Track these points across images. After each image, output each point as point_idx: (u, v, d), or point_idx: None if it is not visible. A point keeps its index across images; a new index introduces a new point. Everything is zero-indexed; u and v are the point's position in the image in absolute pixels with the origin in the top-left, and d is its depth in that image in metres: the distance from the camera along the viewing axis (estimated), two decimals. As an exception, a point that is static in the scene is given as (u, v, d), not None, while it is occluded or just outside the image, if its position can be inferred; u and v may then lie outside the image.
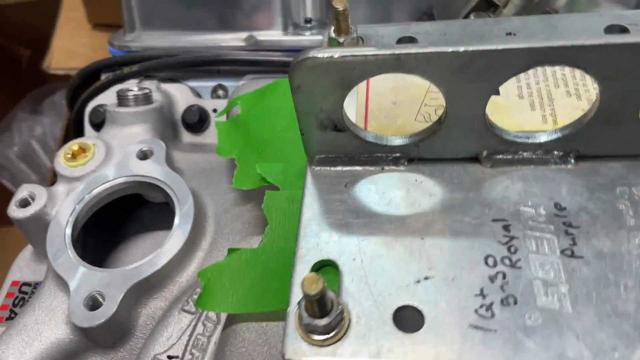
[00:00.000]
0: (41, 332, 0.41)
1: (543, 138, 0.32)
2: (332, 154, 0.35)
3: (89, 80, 0.65)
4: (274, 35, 0.61)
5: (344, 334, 0.28)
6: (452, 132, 0.32)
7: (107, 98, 0.62)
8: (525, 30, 0.40)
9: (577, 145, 0.32)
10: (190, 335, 0.38)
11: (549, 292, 0.28)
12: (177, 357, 0.37)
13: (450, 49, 0.28)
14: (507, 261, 0.29)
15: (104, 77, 0.64)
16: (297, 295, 0.29)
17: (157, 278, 0.42)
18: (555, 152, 0.33)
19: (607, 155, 0.33)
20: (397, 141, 0.34)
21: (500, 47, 0.27)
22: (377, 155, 0.35)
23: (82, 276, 0.41)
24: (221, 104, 0.60)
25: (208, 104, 0.60)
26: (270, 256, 0.34)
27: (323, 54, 0.29)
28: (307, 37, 0.60)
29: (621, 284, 0.27)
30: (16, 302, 0.49)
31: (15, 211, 0.47)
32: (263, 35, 0.61)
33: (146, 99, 0.56)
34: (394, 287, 0.29)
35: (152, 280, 0.42)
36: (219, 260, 0.34)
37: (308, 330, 0.28)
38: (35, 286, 0.51)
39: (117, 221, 0.55)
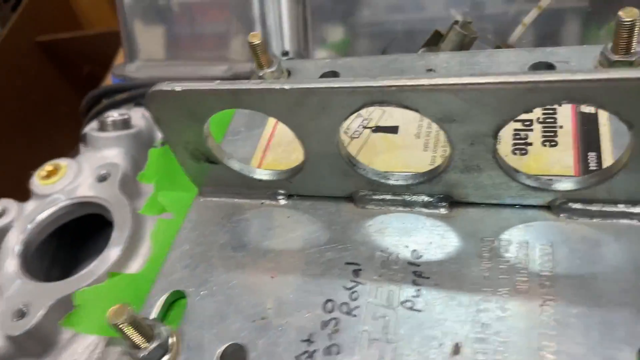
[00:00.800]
0: (-21, 336, 0.44)
1: (406, 181, 0.30)
2: (216, 186, 0.36)
3: (95, 105, 0.71)
4: (251, 66, 0.63)
5: (167, 368, 0.28)
6: (316, 170, 0.32)
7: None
8: (445, 66, 0.38)
9: (448, 191, 0.30)
10: (91, 353, 0.40)
11: (372, 346, 0.26)
12: (72, 374, 0.39)
13: (277, 86, 0.27)
14: (344, 308, 0.28)
15: (104, 102, 0.69)
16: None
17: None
18: (426, 197, 0.31)
19: (481, 202, 0.30)
20: (263, 175, 0.33)
21: (324, 85, 0.26)
22: (258, 190, 0.35)
23: (16, 287, 0.44)
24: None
25: (188, 131, 0.63)
26: (147, 283, 0.34)
27: (167, 87, 0.29)
28: (283, 69, 0.61)
29: (446, 345, 0.25)
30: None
31: (-14, 223, 0.52)
32: (241, 68, 0.62)
33: (124, 124, 0.59)
34: (231, 324, 0.29)
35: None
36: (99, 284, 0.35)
37: (132, 361, 0.28)
38: (4, 293, 0.55)
39: (89, 237, 0.58)
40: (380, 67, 0.41)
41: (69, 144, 1.27)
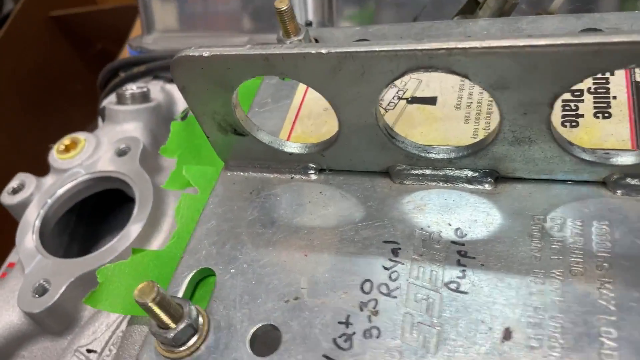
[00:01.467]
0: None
1: (448, 154, 0.28)
2: (244, 159, 0.34)
3: (112, 78, 0.69)
4: (273, 38, 0.60)
5: (197, 348, 0.27)
6: (351, 143, 0.30)
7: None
8: (485, 34, 0.36)
9: (494, 165, 0.28)
10: (114, 332, 0.39)
11: (414, 329, 0.24)
12: (95, 351, 0.38)
13: (313, 50, 0.25)
14: (384, 288, 0.26)
15: (122, 75, 0.67)
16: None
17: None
18: (469, 172, 0.29)
19: (529, 178, 0.28)
20: (293, 148, 0.31)
21: (364, 49, 0.24)
22: (287, 163, 0.33)
23: (36, 263, 0.43)
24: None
25: (208, 105, 0.61)
26: (172, 260, 0.33)
27: (194, 52, 0.27)
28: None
29: (495, 329, 0.23)
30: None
31: (5, 198, 0.51)
32: (263, 39, 0.60)
33: (143, 97, 0.57)
34: (262, 304, 0.27)
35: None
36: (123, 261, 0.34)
37: (161, 342, 0.27)
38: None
39: (109, 213, 0.57)
40: (414, 34, 0.38)
41: (83, 121, 1.27)
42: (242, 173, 0.34)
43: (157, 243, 0.45)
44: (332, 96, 0.27)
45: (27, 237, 0.46)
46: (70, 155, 0.53)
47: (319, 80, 0.27)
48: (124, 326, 0.39)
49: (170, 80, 0.64)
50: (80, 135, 0.55)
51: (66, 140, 0.54)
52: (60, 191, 0.49)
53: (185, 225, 0.34)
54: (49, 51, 1.11)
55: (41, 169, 0.54)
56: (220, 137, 0.32)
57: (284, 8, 0.38)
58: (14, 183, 0.52)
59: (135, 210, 0.46)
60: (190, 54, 0.27)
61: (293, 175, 0.33)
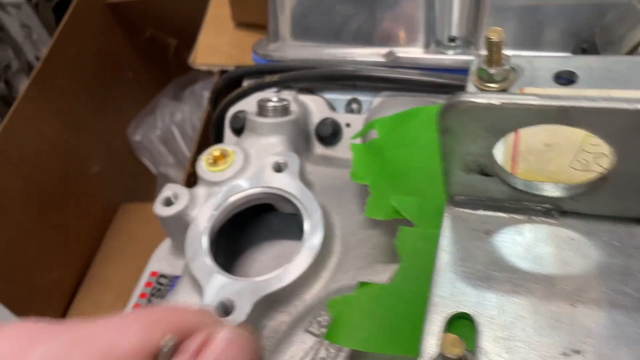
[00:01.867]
0: (175, 328, 0.44)
1: None
2: (474, 197, 0.34)
3: (232, 85, 0.69)
4: (414, 52, 0.60)
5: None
6: (618, 190, 0.29)
7: (247, 104, 0.65)
8: None
9: None
10: (313, 358, 0.39)
11: None
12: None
13: (629, 107, 0.25)
14: (673, 347, 0.26)
15: (245, 83, 0.67)
16: (430, 345, 0.28)
17: (285, 293, 0.43)
18: None
19: None
20: (552, 192, 0.31)
21: (695, 108, 0.24)
22: (524, 204, 0.33)
23: (215, 282, 0.44)
24: (355, 118, 0.60)
25: (341, 117, 0.61)
26: (400, 296, 0.33)
27: (481, 99, 0.27)
28: (450, 57, 0.58)
29: None
30: (154, 292, 0.54)
31: (159, 209, 0.51)
32: (403, 52, 0.60)
33: (284, 110, 0.57)
34: (537, 356, 0.27)
35: (279, 295, 0.43)
36: (346, 293, 0.34)
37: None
38: (172, 279, 0.55)
39: (247, 226, 0.57)
40: (627, 71, 0.38)
41: (135, 108, 1.28)
42: (471, 211, 0.34)
43: (331, 264, 0.46)
44: (625, 149, 0.27)
45: (201, 253, 0.46)
46: (221, 168, 0.53)
47: (617, 134, 0.26)
48: (322, 353, 0.39)
49: (303, 91, 0.64)
50: (228, 148, 0.55)
51: (215, 152, 0.54)
52: (227, 204, 0.49)
53: (411, 261, 0.34)
54: (104, 39, 1.13)
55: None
56: (460, 175, 0.32)
57: (496, 40, 0.38)
58: (166, 193, 0.52)
59: (307, 230, 0.46)
60: (476, 101, 0.27)
61: (531, 216, 0.33)
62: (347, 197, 0.51)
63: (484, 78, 0.40)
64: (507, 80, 0.40)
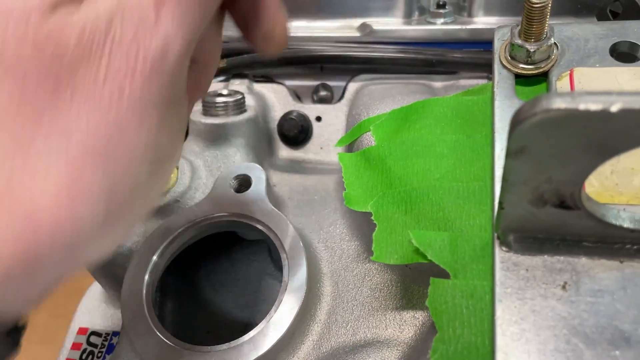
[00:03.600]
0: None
1: None
2: (537, 234, 0.24)
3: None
4: (393, 23, 0.49)
5: None
6: None
7: (188, 98, 0.53)
8: None
9: None
10: None
11: None
12: None
13: None
14: None
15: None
16: None
17: (262, 362, 0.33)
18: None
19: None
20: (664, 229, 0.22)
21: None
22: (609, 240, 0.23)
23: (165, 356, 0.33)
24: (326, 109, 0.50)
25: (310, 109, 0.50)
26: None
27: (591, 104, 0.17)
28: (439, 27, 0.48)
29: None
30: (84, 356, 0.42)
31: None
32: (380, 24, 0.49)
33: (238, 106, 0.46)
34: None
35: (255, 366, 0.33)
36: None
37: None
38: (106, 337, 0.43)
39: (203, 260, 0.46)
40: None
41: None
42: (533, 256, 0.24)
43: (321, 314, 0.35)
44: None
45: (143, 320, 0.34)
46: (165, 188, 0.41)
47: None
48: None
49: (259, 79, 0.52)
50: (169, 161, 0.43)
51: (152, 169, 0.42)
52: (173, 244, 0.38)
53: (450, 329, 0.24)
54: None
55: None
56: (525, 209, 0.22)
57: (539, 4, 0.28)
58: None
59: (286, 271, 0.35)
60: (582, 108, 0.17)
61: (622, 259, 0.23)
62: (331, 217, 0.40)
63: (519, 57, 0.30)
64: (549, 59, 0.30)
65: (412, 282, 0.33)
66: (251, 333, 0.33)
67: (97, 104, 0.19)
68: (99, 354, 0.42)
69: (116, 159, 0.20)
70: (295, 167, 0.49)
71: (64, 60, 0.19)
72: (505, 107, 0.30)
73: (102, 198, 0.20)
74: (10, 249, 0.18)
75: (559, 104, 0.17)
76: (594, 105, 0.17)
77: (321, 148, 0.49)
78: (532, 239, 0.24)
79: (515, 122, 0.18)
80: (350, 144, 0.38)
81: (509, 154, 0.20)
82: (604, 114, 0.17)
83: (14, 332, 0.24)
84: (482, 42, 0.48)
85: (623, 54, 0.30)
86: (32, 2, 0.19)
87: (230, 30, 0.53)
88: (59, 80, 0.19)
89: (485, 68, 0.45)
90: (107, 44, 0.20)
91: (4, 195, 0.18)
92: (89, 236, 0.20)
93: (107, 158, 0.20)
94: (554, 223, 0.23)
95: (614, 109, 0.17)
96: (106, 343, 0.43)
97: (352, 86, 0.49)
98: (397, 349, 0.32)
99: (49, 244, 0.19)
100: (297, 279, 0.35)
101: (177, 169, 0.42)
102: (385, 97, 0.39)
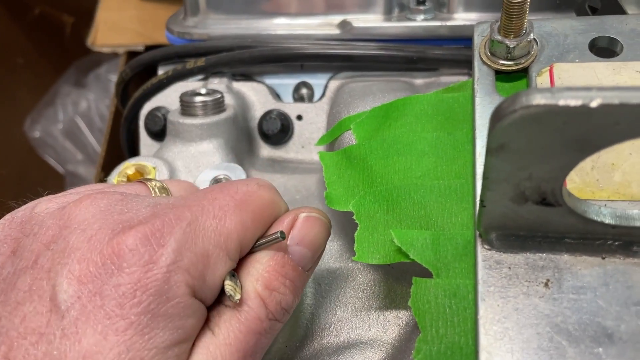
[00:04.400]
0: None
1: None
2: (518, 233, 0.24)
3: (144, 72, 0.56)
4: (373, 20, 0.49)
5: None
6: None
7: (167, 98, 0.52)
8: None
9: None
10: None
11: None
12: None
13: None
14: None
15: (161, 71, 0.54)
16: None
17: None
18: None
19: None
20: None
21: None
22: (591, 237, 0.23)
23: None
24: (307, 108, 0.49)
25: (290, 108, 0.49)
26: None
27: (571, 100, 0.17)
28: (419, 24, 0.47)
29: None
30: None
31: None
32: (360, 21, 0.49)
33: (217, 105, 0.45)
34: None
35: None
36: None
37: None
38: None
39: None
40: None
41: (30, 99, 1.12)
42: (516, 254, 0.24)
43: (302, 320, 0.35)
44: None
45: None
46: (140, 192, 0.40)
47: None
48: None
49: (238, 77, 0.51)
50: (147, 162, 0.42)
51: (129, 170, 0.41)
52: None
53: (433, 330, 0.24)
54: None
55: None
56: (507, 206, 0.22)
57: (518, 0, 0.28)
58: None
59: (268, 273, 0.35)
60: (562, 104, 0.17)
61: (604, 255, 0.23)
62: (313, 217, 0.40)
63: (499, 53, 0.30)
64: (529, 55, 0.30)
65: (396, 282, 0.33)
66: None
67: None
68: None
69: None
70: (276, 166, 0.48)
71: None
72: (485, 103, 0.30)
73: None
74: None
75: (539, 100, 0.17)
76: (573, 101, 0.17)
77: (302, 147, 0.49)
78: (514, 236, 0.24)
79: (495, 119, 0.18)
80: (331, 143, 0.38)
81: (489, 151, 0.20)
82: (584, 110, 0.17)
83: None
84: (463, 39, 0.48)
85: (602, 49, 0.30)
86: None
87: (209, 28, 0.53)
88: None
89: (466, 65, 0.45)
90: None
91: None
92: None
93: None
94: (536, 220, 0.23)
95: (594, 104, 0.17)
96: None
97: (333, 84, 0.49)
98: (380, 350, 0.32)
99: None
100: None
101: (155, 169, 0.42)
102: (365, 94, 0.39)
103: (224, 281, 0.24)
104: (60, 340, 0.21)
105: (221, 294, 0.25)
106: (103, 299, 0.21)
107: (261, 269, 0.26)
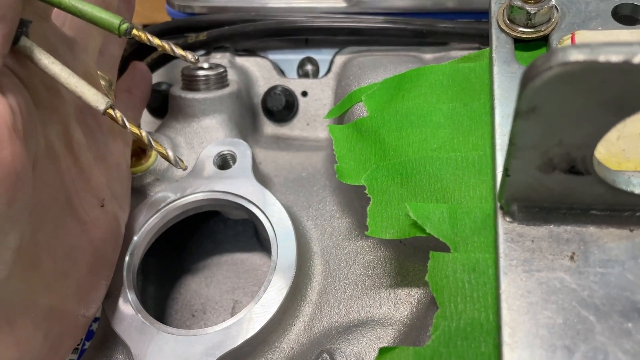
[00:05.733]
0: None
1: None
2: (543, 203, 0.23)
3: (143, 49, 0.54)
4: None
5: None
6: None
7: (167, 73, 0.51)
8: None
9: None
10: None
11: None
12: None
13: None
14: None
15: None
16: None
17: (252, 345, 0.32)
18: None
19: None
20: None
21: None
22: (619, 208, 0.22)
23: (147, 340, 0.31)
24: (312, 84, 0.48)
25: (295, 84, 0.48)
26: (442, 361, 0.22)
27: (614, 54, 0.16)
28: (430, -5, 0.46)
29: None
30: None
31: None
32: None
33: (220, 80, 0.44)
34: None
35: (244, 350, 0.31)
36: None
37: None
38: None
39: (185, 240, 0.44)
40: None
41: None
42: (539, 226, 0.23)
43: (312, 294, 0.34)
44: None
45: (122, 299, 0.33)
46: (143, 167, 0.39)
47: None
48: None
49: (241, 52, 0.50)
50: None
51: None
52: (153, 222, 0.36)
53: (452, 306, 0.23)
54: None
55: None
56: (532, 176, 0.21)
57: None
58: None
59: (275, 252, 0.34)
60: (598, 60, 0.16)
61: (632, 227, 0.22)
62: (320, 194, 0.39)
63: (518, 20, 0.29)
64: (550, 22, 0.29)
65: (407, 259, 0.32)
66: (239, 315, 0.32)
67: None
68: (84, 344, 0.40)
69: None
70: (281, 144, 0.47)
71: None
72: (504, 72, 0.28)
73: None
74: None
75: (577, 55, 0.16)
76: (615, 57, 0.16)
77: (307, 124, 0.48)
78: (537, 208, 0.23)
79: (527, 79, 0.17)
80: (340, 116, 0.37)
81: (518, 115, 0.18)
82: (626, 67, 0.16)
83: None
84: (472, 12, 0.47)
85: (625, 16, 0.29)
86: None
87: (210, 1, 0.51)
88: None
89: (477, 39, 0.44)
90: None
91: None
92: None
93: None
94: (562, 191, 0.22)
95: (637, 60, 0.16)
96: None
97: (339, 59, 0.48)
98: (392, 328, 0.31)
99: None
100: (286, 258, 0.34)
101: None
102: (376, 66, 0.38)
103: None
104: None
105: None
106: None
107: None
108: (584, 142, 0.19)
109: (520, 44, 0.30)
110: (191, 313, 0.40)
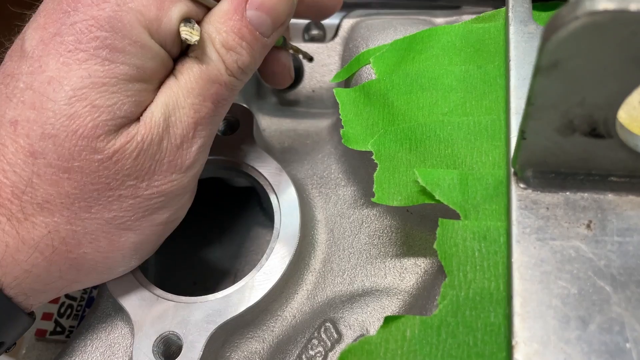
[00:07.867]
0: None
1: None
2: (560, 168, 0.22)
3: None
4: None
5: None
6: None
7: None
8: None
9: None
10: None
11: None
12: None
13: None
14: None
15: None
16: None
17: (254, 313, 0.31)
18: None
19: None
20: None
21: None
22: (639, 174, 0.21)
23: (147, 307, 0.31)
24: (317, 49, 0.46)
25: (300, 49, 0.46)
26: (454, 333, 0.22)
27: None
28: (442, -43, 0.44)
29: None
30: (62, 310, 0.40)
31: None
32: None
33: (223, 43, 0.42)
34: None
35: (245, 318, 0.31)
36: (367, 335, 0.22)
37: None
38: (85, 290, 0.41)
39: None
40: None
41: None
42: (554, 193, 0.22)
43: (315, 263, 0.33)
44: None
45: (124, 266, 0.32)
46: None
47: None
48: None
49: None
50: (149, 102, 0.40)
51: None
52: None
53: (461, 275, 0.23)
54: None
55: None
56: (550, 138, 0.20)
57: None
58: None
59: (278, 218, 0.33)
60: (629, 9, 0.15)
61: (654, 194, 0.21)
62: (325, 161, 0.38)
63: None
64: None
65: (414, 228, 0.31)
66: (240, 283, 0.31)
67: (132, 206, 0.26)
68: (78, 307, 0.40)
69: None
70: (286, 111, 0.46)
71: (119, 176, 0.25)
72: (521, 33, 0.27)
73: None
74: None
75: (606, 4, 0.15)
76: (648, 4, 0.15)
77: (313, 91, 0.47)
78: (553, 174, 0.22)
79: (551, 30, 0.16)
80: (347, 80, 0.36)
81: (538, 71, 0.17)
82: (660, 15, 0.15)
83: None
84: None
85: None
86: (98, 123, 0.24)
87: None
88: (109, 187, 0.25)
89: (491, 2, 0.42)
90: (153, 165, 0.26)
91: None
92: None
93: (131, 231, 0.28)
94: (581, 155, 0.21)
95: (674, 7, 0.14)
96: (85, 296, 0.41)
97: (347, 23, 0.46)
98: (397, 298, 0.30)
99: None
100: (289, 226, 0.33)
101: (158, 110, 0.39)
102: (386, 28, 0.36)
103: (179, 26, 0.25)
104: (27, 75, 0.24)
105: (187, 49, 0.27)
106: (62, 36, 0.24)
107: (218, 28, 0.26)
108: (608, 101, 0.18)
109: (538, 2, 0.28)
110: (193, 281, 0.39)
